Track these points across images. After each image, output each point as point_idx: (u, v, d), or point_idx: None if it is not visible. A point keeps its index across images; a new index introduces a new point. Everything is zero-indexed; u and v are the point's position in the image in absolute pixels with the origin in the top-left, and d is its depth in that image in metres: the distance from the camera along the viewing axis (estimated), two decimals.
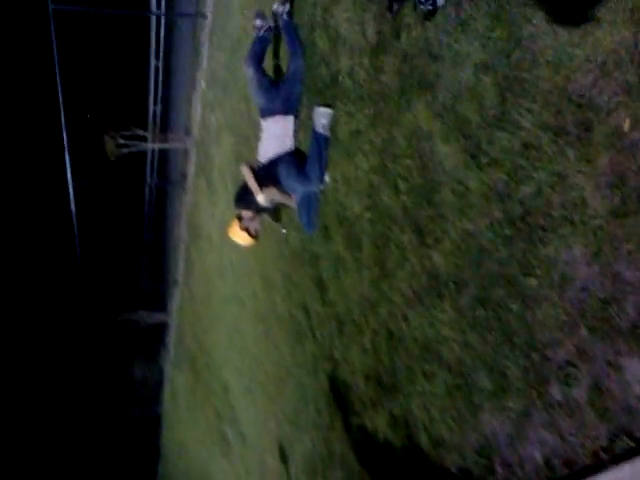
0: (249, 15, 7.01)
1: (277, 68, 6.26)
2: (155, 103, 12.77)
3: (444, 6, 3.38)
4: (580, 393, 2.68)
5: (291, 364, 6.96)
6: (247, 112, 7.63)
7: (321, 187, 5.14)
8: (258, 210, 5.43)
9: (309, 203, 5.27)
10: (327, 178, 5.12)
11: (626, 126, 2.37)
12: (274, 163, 5.19)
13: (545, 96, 2.72)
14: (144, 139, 12.48)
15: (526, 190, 2.90)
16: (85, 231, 13.58)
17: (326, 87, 5.06)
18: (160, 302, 18.59)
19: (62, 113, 10.63)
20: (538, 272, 2.87)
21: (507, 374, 3.15)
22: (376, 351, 4.67)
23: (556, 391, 2.82)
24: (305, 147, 5.20)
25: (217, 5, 9.19)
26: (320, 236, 5.54)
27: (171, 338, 18.97)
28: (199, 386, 14.41)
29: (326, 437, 5.92)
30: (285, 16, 5.29)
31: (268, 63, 6.14)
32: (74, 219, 12.79)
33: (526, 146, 2.87)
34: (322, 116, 4.95)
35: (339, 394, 5.49)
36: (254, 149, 5.48)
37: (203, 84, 10.66)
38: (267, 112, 5.22)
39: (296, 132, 5.27)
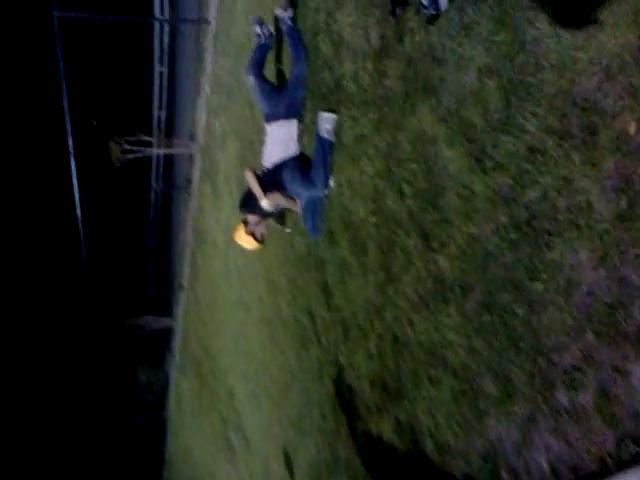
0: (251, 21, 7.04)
1: (280, 73, 6.27)
2: (160, 109, 12.80)
3: (447, 10, 3.38)
4: (586, 398, 2.66)
5: (296, 369, 6.95)
6: (251, 117, 7.64)
7: (326, 192, 5.14)
8: (263, 215, 5.44)
9: (314, 208, 5.27)
10: (332, 183, 5.12)
11: (632, 129, 2.36)
12: (279, 168, 5.20)
13: (550, 100, 2.71)
14: (149, 144, 12.52)
15: (532, 194, 2.89)
16: (91, 236, 13.61)
17: (330, 92, 5.06)
18: (165, 307, 18.61)
19: (67, 119, 10.66)
20: (544, 276, 2.86)
21: (513, 379, 3.13)
22: (381, 356, 4.66)
23: (562, 396, 2.80)
24: (310, 152, 5.20)
25: (221, 11, 9.22)
26: (325, 241, 5.53)
27: (176, 343, 18.98)
28: (204, 391, 14.40)
29: (331, 442, 5.90)
30: (288, 21, 5.30)
31: (271, 68, 6.17)
32: (80, 224, 12.83)
33: (531, 150, 2.86)
34: (326, 121, 4.95)
35: (344, 399, 5.47)
36: (259, 154, 5.49)
37: (207, 89, 10.68)
38: (271, 117, 5.24)
39: (300, 136, 5.27)
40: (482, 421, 3.42)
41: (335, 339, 5.59)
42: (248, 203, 5.39)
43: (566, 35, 2.58)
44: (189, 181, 13.21)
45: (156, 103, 12.71)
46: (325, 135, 4.99)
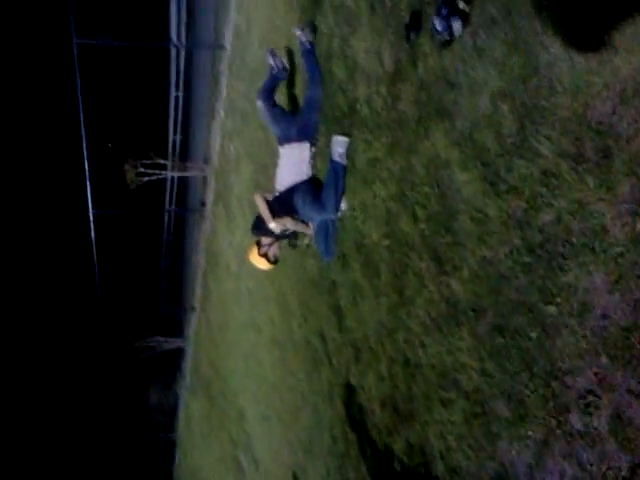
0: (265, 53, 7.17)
1: (293, 96, 6.35)
2: (175, 132, 12.94)
3: (461, 35, 3.43)
4: (601, 422, 2.63)
5: (307, 391, 6.91)
6: (265, 140, 7.72)
7: (339, 215, 5.17)
8: (276, 237, 5.47)
9: (326, 231, 5.28)
10: (344, 206, 5.14)
11: None
12: (291, 192, 5.23)
13: (564, 123, 2.73)
14: (164, 167, 12.64)
15: (545, 217, 2.90)
16: (104, 257, 13.70)
17: (344, 115, 5.11)
18: (177, 328, 18.62)
19: (84, 142, 10.83)
20: (558, 300, 2.85)
21: (526, 402, 3.11)
22: (393, 378, 4.63)
23: (576, 420, 2.77)
24: (323, 175, 5.24)
25: (236, 36, 9.38)
26: (338, 263, 5.55)
27: (187, 364, 18.95)
28: (214, 412, 14.33)
29: (341, 464, 5.85)
30: (307, 45, 5.39)
31: (285, 92, 6.25)
32: (94, 246, 12.93)
33: (545, 173, 2.87)
34: (339, 144, 4.99)
35: (355, 421, 5.44)
36: (272, 177, 5.55)
37: (222, 113, 10.82)
38: (283, 139, 5.29)
39: (313, 160, 5.32)
40: (494, 444, 3.39)
41: (346, 361, 5.57)
42: (260, 226, 5.42)
43: (580, 59, 2.61)
44: (203, 204, 13.30)
45: (171, 127, 12.87)
46: (337, 158, 5.02)
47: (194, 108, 13.53)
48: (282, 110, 5.42)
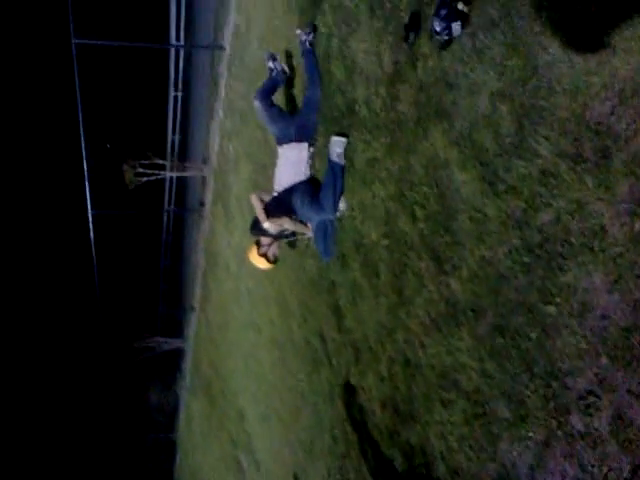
0: (267, 49, 7.16)
1: (292, 97, 6.36)
2: (174, 132, 12.95)
3: (460, 36, 3.43)
4: (602, 423, 2.63)
5: (307, 391, 6.92)
6: (264, 141, 7.72)
7: (337, 215, 5.18)
8: (275, 237, 5.48)
9: (325, 231, 5.30)
10: (343, 206, 5.15)
11: None
12: (289, 192, 5.25)
13: (563, 123, 2.74)
14: (162, 168, 12.64)
15: (544, 217, 2.90)
16: (103, 258, 13.70)
17: (343, 116, 5.11)
18: (177, 328, 18.63)
19: (83, 143, 10.82)
20: (557, 300, 2.85)
21: (527, 403, 3.11)
22: (393, 378, 4.64)
23: (577, 421, 2.78)
24: (322, 175, 5.25)
25: (235, 37, 9.37)
26: (337, 263, 5.55)
27: (187, 364, 18.95)
28: (214, 412, 14.33)
29: (341, 465, 5.85)
30: (307, 45, 5.40)
31: (282, 91, 6.25)
32: (92, 246, 12.92)
33: (544, 173, 2.87)
34: (337, 145, 5.01)
35: (355, 421, 5.44)
36: (271, 177, 5.56)
37: (221, 113, 10.82)
38: (282, 139, 5.31)
39: (312, 160, 5.33)
40: (495, 445, 3.39)
41: (346, 361, 5.57)
42: (259, 226, 5.44)
43: (579, 60, 2.61)
44: (202, 204, 13.30)
45: (170, 127, 12.87)
46: (335, 159, 5.04)
47: (193, 108, 13.53)
48: (279, 110, 5.43)
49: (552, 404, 2.93)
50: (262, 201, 5.47)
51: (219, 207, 11.67)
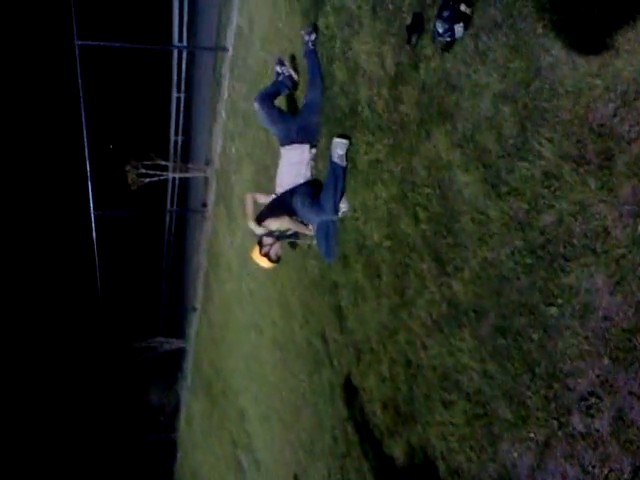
0: (270, 50, 7.18)
1: (294, 98, 6.38)
2: (176, 133, 12.98)
3: (462, 38, 3.44)
4: (603, 424, 2.64)
5: (308, 392, 6.92)
6: (267, 142, 7.73)
7: (339, 215, 5.19)
8: (277, 237, 5.49)
9: (327, 232, 5.32)
10: (346, 207, 5.16)
11: None
12: (290, 193, 5.27)
13: (565, 125, 2.74)
14: (165, 169, 12.66)
15: (547, 219, 2.90)
16: (105, 258, 13.71)
17: (345, 117, 5.12)
18: (178, 328, 18.66)
19: (85, 143, 10.85)
20: (560, 301, 2.86)
21: (528, 404, 3.11)
22: (394, 379, 4.64)
23: (578, 422, 2.78)
24: (324, 177, 5.26)
25: (238, 38, 9.39)
26: (339, 264, 5.56)
27: (188, 364, 18.96)
28: (215, 412, 14.33)
29: (342, 465, 5.85)
30: (310, 45, 5.42)
31: (286, 92, 6.27)
32: (95, 247, 12.94)
33: (547, 175, 2.88)
34: (338, 147, 5.03)
35: (356, 422, 5.44)
36: (273, 178, 5.58)
37: (224, 115, 10.83)
38: (284, 140, 5.34)
39: (314, 161, 5.35)
40: (496, 446, 3.39)
41: (348, 362, 5.57)
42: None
43: (581, 62, 2.62)
44: (204, 204, 13.32)
45: (173, 128, 12.90)
46: (337, 160, 5.05)
47: (195, 109, 13.57)
48: (280, 112, 5.45)
49: (553, 405, 2.93)
50: (256, 203, 5.55)
51: (221, 208, 11.69)
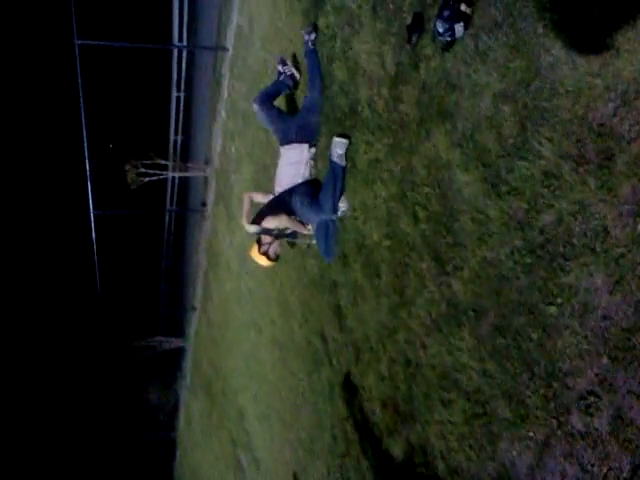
0: (270, 50, 7.19)
1: (292, 97, 6.38)
2: (176, 133, 12.97)
3: (462, 37, 3.44)
4: (602, 423, 2.64)
5: (307, 390, 6.93)
6: (266, 141, 7.74)
7: (339, 214, 5.20)
8: (276, 235, 5.51)
9: (327, 231, 5.33)
10: (345, 207, 5.17)
11: None
12: (289, 193, 5.29)
13: (565, 125, 2.75)
14: (165, 168, 12.66)
15: (547, 218, 2.91)
16: (105, 257, 13.72)
17: (345, 117, 5.13)
18: (178, 328, 18.67)
19: (85, 143, 10.85)
20: (559, 300, 2.86)
21: (527, 403, 3.12)
22: (393, 378, 4.65)
23: (577, 421, 2.79)
24: (323, 176, 5.27)
25: (238, 38, 9.39)
26: (338, 263, 5.56)
27: (187, 363, 18.97)
28: (214, 411, 14.34)
29: (341, 464, 5.86)
30: (310, 44, 5.43)
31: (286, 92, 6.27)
32: (94, 246, 12.94)
33: (546, 175, 2.89)
34: (338, 146, 5.03)
35: (355, 421, 5.45)
36: (272, 177, 5.59)
37: (223, 114, 10.83)
38: (284, 140, 5.36)
39: (313, 160, 5.36)
40: (495, 445, 3.40)
41: (347, 361, 5.58)
42: (260, 224, 5.48)
43: (581, 61, 2.62)
44: (204, 204, 13.33)
45: (172, 127, 12.90)
46: (336, 160, 5.06)
47: (195, 109, 13.57)
48: (279, 112, 5.47)
49: (552, 404, 2.94)
50: (253, 202, 5.60)
51: (221, 207, 11.69)
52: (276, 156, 5.60)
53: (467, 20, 3.36)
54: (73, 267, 20.87)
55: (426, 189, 3.97)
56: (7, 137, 19.79)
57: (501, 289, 3.29)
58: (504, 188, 3.20)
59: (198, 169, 12.89)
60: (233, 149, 10.27)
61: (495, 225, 3.31)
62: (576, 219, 2.73)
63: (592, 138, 2.61)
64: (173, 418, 22.76)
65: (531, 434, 3.09)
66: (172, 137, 13.03)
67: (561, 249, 2.83)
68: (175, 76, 12.10)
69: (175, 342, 18.58)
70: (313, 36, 5.41)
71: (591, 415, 2.70)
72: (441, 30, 3.46)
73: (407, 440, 4.46)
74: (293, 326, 7.33)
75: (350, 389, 5.53)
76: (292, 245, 6.72)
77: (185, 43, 11.57)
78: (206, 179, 12.80)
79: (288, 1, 6.59)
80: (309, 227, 5.50)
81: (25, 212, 21.44)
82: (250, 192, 5.83)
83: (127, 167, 12.09)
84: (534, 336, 3.05)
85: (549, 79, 2.82)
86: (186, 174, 13.11)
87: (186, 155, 13.73)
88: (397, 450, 4.63)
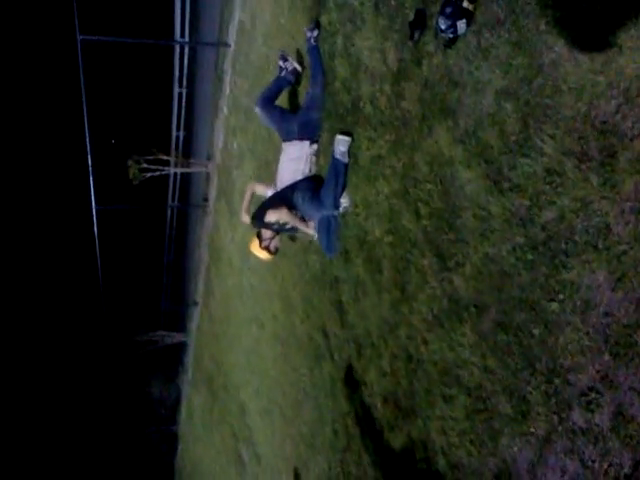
0: (272, 46, 7.18)
1: (294, 94, 6.39)
2: (178, 129, 12.97)
3: (465, 34, 3.44)
4: (603, 419, 2.66)
5: (309, 386, 6.95)
6: (268, 137, 7.74)
7: (341, 210, 5.21)
8: (277, 230, 5.54)
9: (328, 227, 5.33)
10: (347, 203, 5.18)
11: None
12: (291, 189, 5.31)
13: (568, 122, 2.75)
14: (167, 164, 12.67)
15: (549, 215, 2.92)
16: (107, 252, 13.74)
17: (347, 113, 5.13)
18: (179, 322, 18.70)
19: (87, 138, 10.85)
20: (561, 297, 2.87)
21: (528, 399, 3.13)
22: (395, 374, 4.66)
23: (578, 417, 2.80)
24: (325, 173, 5.28)
25: (240, 34, 9.38)
26: (340, 259, 5.57)
27: (189, 358, 19.01)
28: (216, 406, 14.38)
29: (342, 459, 5.88)
30: (313, 41, 5.43)
31: (289, 88, 6.27)
32: (96, 241, 12.96)
33: (549, 172, 2.89)
34: (341, 144, 5.04)
35: (357, 416, 5.47)
36: (274, 173, 5.60)
37: (225, 110, 10.83)
38: (286, 137, 5.38)
39: (315, 157, 5.37)
40: (496, 440, 3.41)
41: (348, 356, 5.60)
42: (261, 217, 5.50)
43: (584, 58, 2.63)
44: (205, 199, 13.33)
45: (175, 123, 12.90)
46: (339, 156, 5.07)
47: (197, 105, 13.55)
48: (282, 111, 5.51)
49: (553, 400, 2.95)
50: (254, 195, 5.65)
51: (223, 203, 11.70)
52: (278, 152, 5.61)
53: (469, 17, 3.36)
54: (75, 262, 20.90)
55: (428, 185, 3.97)
56: (9, 132, 19.79)
57: (503, 285, 3.30)
58: (506, 185, 3.21)
59: (200, 165, 12.89)
60: (235, 145, 10.27)
61: (497, 222, 3.31)
62: (578, 216, 2.74)
63: (594, 135, 2.62)
64: (175, 412, 22.81)
65: (532, 430, 3.11)
66: (174, 133, 13.03)
67: (563, 246, 2.84)
68: (177, 72, 12.08)
69: (177, 337, 18.61)
70: (316, 33, 5.41)
71: (592, 411, 2.71)
72: (443, 27, 3.46)
73: (408, 435, 4.48)
74: (295, 321, 7.35)
75: (351, 384, 5.55)
76: (294, 241, 6.74)
77: (187, 39, 11.55)
78: (208, 175, 12.80)
79: None
80: (310, 224, 5.51)
81: (27, 208, 21.46)
82: (253, 183, 5.84)
83: (129, 162, 12.08)
84: (535, 332, 3.06)
85: (551, 76, 2.82)
86: (188, 170, 13.11)
87: (188, 151, 13.73)
88: (398, 445, 4.65)
